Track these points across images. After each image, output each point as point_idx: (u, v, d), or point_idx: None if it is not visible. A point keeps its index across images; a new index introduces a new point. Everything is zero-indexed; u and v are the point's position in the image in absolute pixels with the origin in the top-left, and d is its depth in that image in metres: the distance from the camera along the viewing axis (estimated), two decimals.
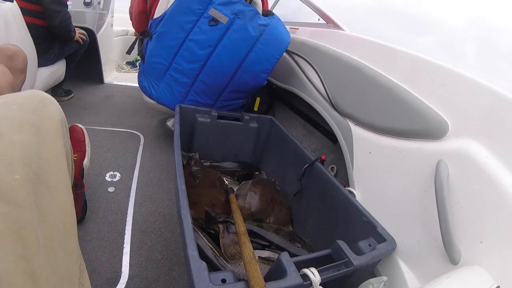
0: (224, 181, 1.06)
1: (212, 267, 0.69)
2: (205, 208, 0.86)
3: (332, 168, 1.08)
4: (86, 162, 0.85)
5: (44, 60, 1.37)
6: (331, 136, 1.15)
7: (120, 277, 0.70)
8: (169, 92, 1.15)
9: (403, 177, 0.68)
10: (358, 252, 0.60)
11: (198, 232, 0.74)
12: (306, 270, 0.51)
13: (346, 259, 0.56)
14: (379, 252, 0.60)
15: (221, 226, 0.79)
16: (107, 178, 1.06)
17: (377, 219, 0.67)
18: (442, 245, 0.54)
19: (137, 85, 1.33)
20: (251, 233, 0.77)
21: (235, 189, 1.02)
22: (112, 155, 1.20)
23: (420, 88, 0.68)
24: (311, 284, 0.50)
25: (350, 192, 0.79)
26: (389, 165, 0.72)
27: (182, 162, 1.07)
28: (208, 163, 1.18)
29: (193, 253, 0.48)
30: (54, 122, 0.40)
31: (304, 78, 1.12)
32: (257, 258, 0.72)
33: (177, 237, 0.88)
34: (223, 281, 0.46)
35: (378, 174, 0.75)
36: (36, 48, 1.26)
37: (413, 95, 0.68)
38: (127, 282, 0.69)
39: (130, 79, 2.32)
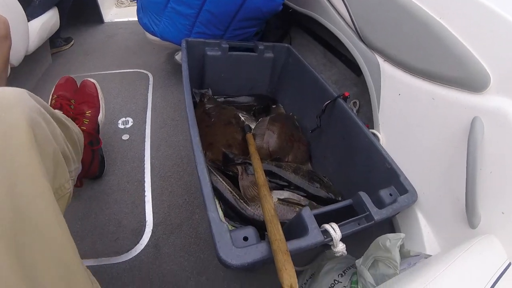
0: (240, 118, 1.02)
1: (233, 210, 0.71)
2: (222, 149, 0.84)
3: (354, 103, 1.00)
4: (101, 117, 0.82)
5: (30, 11, 1.21)
6: (355, 67, 1.03)
7: (145, 226, 0.74)
8: (173, 27, 1.03)
9: (433, 127, 0.61)
10: (379, 201, 0.58)
11: (217, 175, 0.74)
12: (327, 226, 0.50)
13: (367, 213, 0.55)
14: (400, 205, 0.58)
15: (239, 168, 0.78)
16: (120, 125, 1.04)
17: (400, 167, 0.64)
18: (463, 206, 0.52)
19: None
20: (269, 173, 0.77)
21: (251, 126, 0.99)
22: (122, 100, 1.16)
23: (463, 30, 0.56)
24: (331, 239, 0.49)
25: (374, 135, 0.73)
26: (420, 111, 0.64)
27: (195, 100, 1.03)
28: (222, 99, 1.12)
29: (213, 214, 0.47)
30: (21, 135, 0.35)
31: (326, 3, 0.95)
32: (276, 200, 0.73)
33: (196, 180, 0.89)
34: (245, 239, 0.46)
35: (407, 119, 0.67)
36: None
37: (454, 37, 0.56)
38: (152, 230, 0.73)
39: (131, 13, 2.08)
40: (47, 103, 0.77)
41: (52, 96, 0.80)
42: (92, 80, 0.87)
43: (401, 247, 0.55)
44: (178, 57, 1.38)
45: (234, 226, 0.69)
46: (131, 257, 0.69)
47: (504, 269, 0.43)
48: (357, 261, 0.59)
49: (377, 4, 0.74)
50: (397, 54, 0.69)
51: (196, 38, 1.01)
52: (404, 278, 0.44)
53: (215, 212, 0.47)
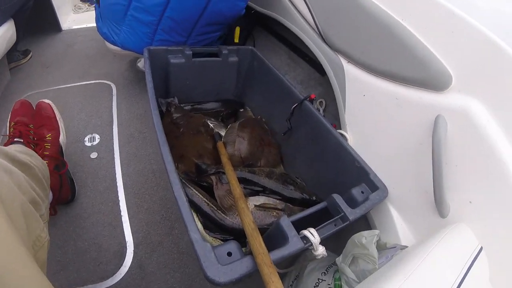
0: (209, 125, 1.01)
1: (212, 222, 0.71)
2: (194, 160, 0.84)
3: (320, 103, 1.04)
4: (62, 138, 0.79)
5: None
6: (319, 67, 1.06)
7: (126, 247, 0.72)
8: (134, 35, 0.99)
9: (398, 126, 0.64)
10: (351, 200, 0.62)
11: (191, 188, 0.73)
12: (306, 232, 0.52)
13: (342, 214, 0.58)
14: (372, 202, 0.61)
15: (213, 178, 0.78)
16: (87, 143, 0.99)
17: (368, 163, 0.67)
18: (432, 198, 0.56)
19: None
20: (244, 180, 0.77)
21: (221, 133, 0.98)
22: (86, 115, 1.10)
23: (424, 31, 0.59)
24: (311, 244, 0.51)
25: (342, 135, 0.76)
26: (384, 111, 0.67)
27: (162, 109, 1.01)
28: (189, 107, 1.11)
29: (195, 236, 0.47)
30: None
31: (289, 4, 0.96)
32: (253, 207, 0.74)
33: (171, 193, 0.87)
34: (229, 254, 0.47)
35: (372, 119, 0.71)
36: None
37: (416, 38, 0.59)
38: (133, 251, 0.72)
39: (90, 19, 1.96)
40: (6, 129, 0.73)
41: (10, 123, 0.75)
42: (47, 101, 0.82)
43: (378, 241, 0.59)
44: (140, 64, 1.33)
45: (215, 237, 0.69)
46: (117, 280, 0.68)
47: (477, 253, 0.48)
48: (337, 259, 0.62)
49: (339, 6, 0.76)
50: (360, 56, 0.72)
51: (159, 46, 0.98)
52: (386, 273, 0.47)
53: (197, 232, 0.47)
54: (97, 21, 1.09)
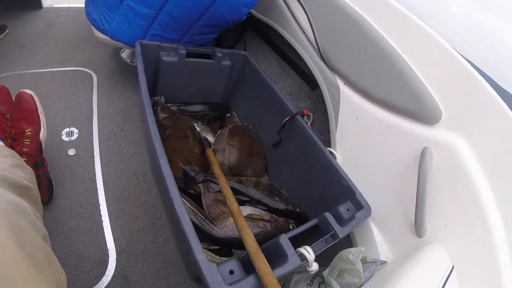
0: (196, 129, 1.00)
1: (199, 232, 0.70)
2: (182, 166, 0.82)
3: (308, 117, 1.06)
4: (43, 134, 0.72)
5: None
6: (309, 81, 1.09)
7: (108, 255, 0.68)
8: (127, 26, 0.93)
9: (387, 151, 0.70)
10: (338, 217, 0.65)
11: None
12: (303, 250, 0.54)
13: (333, 232, 0.61)
14: (358, 220, 0.66)
15: (201, 186, 0.77)
16: (64, 137, 0.92)
17: (354, 182, 0.71)
18: (411, 219, 0.62)
19: (83, 5, 1.05)
20: (231, 190, 0.77)
21: (208, 138, 0.97)
22: (64, 106, 1.02)
23: (423, 67, 0.64)
24: (307, 261, 0.54)
25: (331, 153, 0.80)
26: (375, 136, 0.72)
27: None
28: (176, 107, 1.07)
29: (201, 257, 0.46)
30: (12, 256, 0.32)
31: (289, 15, 0.97)
32: None
33: (154, 198, 0.85)
34: (231, 272, 0.47)
35: (363, 141, 0.75)
36: None
37: (414, 73, 0.64)
38: (116, 259, 0.68)
39: None
40: None
41: None
42: (29, 91, 0.75)
43: None
44: (124, 55, 1.25)
45: (204, 249, 0.69)
46: None
47: (450, 272, 0.54)
48: (324, 272, 0.65)
49: (343, 28, 0.78)
50: (358, 80, 0.75)
51: (151, 40, 0.94)
52: None
53: (202, 253, 0.47)
54: (87, 5, 1.02)
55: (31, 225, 0.38)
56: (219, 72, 1.08)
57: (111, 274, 0.66)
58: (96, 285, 0.64)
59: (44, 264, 0.37)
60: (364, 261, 0.67)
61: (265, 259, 0.50)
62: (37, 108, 0.72)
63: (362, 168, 0.75)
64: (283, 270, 0.50)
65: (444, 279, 0.53)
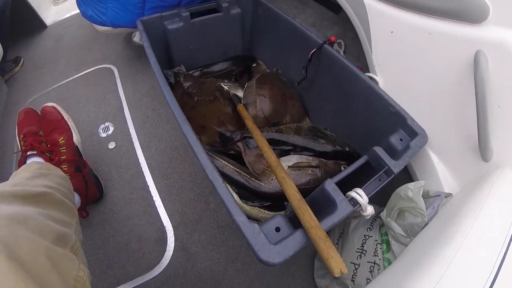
0: (224, 88, 0.96)
1: (247, 191, 0.69)
2: (216, 129, 0.80)
3: (339, 44, 0.94)
4: (76, 138, 0.75)
5: None
6: (331, 5, 0.95)
7: (165, 232, 0.72)
8: (122, 10, 0.90)
9: (434, 64, 0.57)
10: (390, 149, 0.57)
11: (220, 159, 0.71)
12: (353, 194, 0.49)
13: (386, 167, 0.54)
14: (414, 150, 0.56)
15: (240, 145, 0.75)
16: (102, 134, 0.96)
17: (403, 107, 0.61)
18: (474, 141, 0.51)
19: None
20: (272, 141, 0.74)
21: (238, 94, 0.93)
22: (94, 106, 1.06)
23: None
24: (360, 205, 0.48)
25: (371, 78, 0.69)
26: (417, 49, 0.59)
27: (170, 82, 0.95)
28: (198, 72, 1.04)
29: (241, 219, 0.44)
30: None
31: None
32: (286, 168, 0.71)
33: (199, 168, 0.84)
34: (277, 229, 0.45)
35: (404, 58, 0.63)
36: None
37: None
38: (174, 234, 0.71)
39: (73, 6, 1.78)
40: (18, 144, 0.70)
41: (19, 137, 0.72)
42: (50, 104, 0.78)
43: None
44: (136, 38, 1.24)
45: (253, 206, 0.68)
46: (163, 267, 0.69)
47: None
48: (381, 214, 0.60)
49: None
50: None
51: (152, 14, 0.89)
52: (442, 230, 0.44)
53: (242, 215, 0.45)
54: (79, 6, 1.01)
55: (35, 231, 0.39)
56: (230, 23, 1.00)
57: (172, 249, 0.71)
58: (160, 262, 0.69)
59: (46, 268, 0.37)
60: (426, 195, 0.60)
61: (310, 210, 0.46)
62: (63, 117, 0.76)
63: (409, 90, 0.64)
64: (333, 219, 0.45)
65: None
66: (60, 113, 0.77)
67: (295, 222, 0.46)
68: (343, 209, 0.47)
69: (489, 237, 0.40)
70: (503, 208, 0.44)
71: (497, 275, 0.35)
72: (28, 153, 0.67)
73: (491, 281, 0.34)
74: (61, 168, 0.68)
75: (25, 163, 0.66)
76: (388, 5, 0.63)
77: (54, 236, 0.42)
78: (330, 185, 0.49)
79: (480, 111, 0.48)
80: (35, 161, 0.65)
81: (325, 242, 0.40)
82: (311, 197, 0.54)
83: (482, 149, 0.50)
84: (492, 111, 0.48)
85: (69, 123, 0.77)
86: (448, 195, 0.56)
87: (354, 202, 0.48)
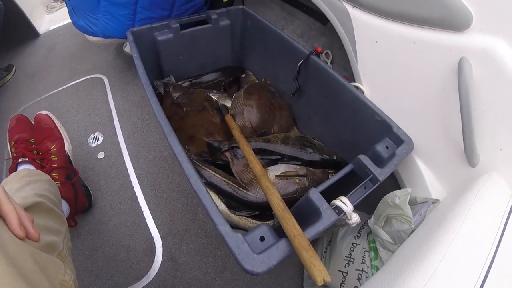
0: (213, 98, 0.96)
1: (235, 200, 0.69)
2: (205, 139, 0.80)
3: (326, 54, 0.96)
4: (68, 147, 0.75)
5: None
6: (318, 16, 0.97)
7: (153, 242, 0.71)
8: (113, 21, 0.91)
9: (418, 72, 0.58)
10: (376, 157, 0.58)
11: (208, 169, 0.71)
12: (337, 202, 0.49)
13: (371, 175, 0.54)
14: (400, 157, 0.57)
15: (228, 154, 0.75)
16: (91, 144, 0.96)
17: (389, 115, 0.62)
18: (460, 147, 0.52)
19: None
20: (260, 151, 0.74)
21: (227, 104, 0.94)
22: (84, 115, 1.06)
23: None
24: (345, 213, 0.49)
25: (357, 87, 0.71)
26: (402, 57, 0.60)
27: (159, 92, 0.96)
28: (188, 83, 1.04)
29: (224, 228, 0.44)
30: None
31: None
32: (274, 177, 0.72)
33: (187, 178, 0.86)
34: (262, 238, 0.44)
35: (389, 67, 0.64)
36: None
37: None
38: (162, 244, 0.71)
39: (66, 16, 1.82)
40: (8, 152, 0.69)
41: (10, 144, 0.72)
42: (44, 112, 0.79)
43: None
44: (127, 49, 1.25)
45: (241, 215, 0.68)
46: (152, 277, 0.68)
47: None
48: (369, 221, 0.60)
49: None
50: None
51: (142, 25, 0.90)
52: (428, 236, 0.45)
53: (225, 225, 0.45)
54: (71, 15, 1.02)
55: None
56: (220, 34, 1.01)
57: (160, 259, 0.70)
58: (148, 273, 0.68)
59: (34, 269, 0.37)
60: (414, 202, 0.60)
61: (293, 219, 0.46)
62: (56, 125, 0.76)
63: (394, 98, 0.65)
64: (317, 228, 0.45)
65: (508, 210, 0.44)
66: (54, 122, 0.78)
67: (280, 232, 0.46)
68: (327, 217, 0.47)
69: (476, 242, 0.40)
70: (490, 212, 0.44)
71: (485, 280, 0.35)
72: (19, 160, 0.67)
73: (479, 286, 0.34)
74: (52, 176, 0.68)
75: (16, 170, 0.66)
76: (373, 15, 0.64)
77: (42, 244, 0.42)
78: (315, 194, 0.49)
79: (464, 117, 0.49)
80: (25, 168, 0.65)
81: (308, 251, 0.40)
82: (296, 206, 0.54)
83: (468, 154, 0.51)
84: (477, 116, 0.48)
85: (61, 131, 0.77)
86: (436, 201, 0.57)
87: (339, 210, 0.49)
